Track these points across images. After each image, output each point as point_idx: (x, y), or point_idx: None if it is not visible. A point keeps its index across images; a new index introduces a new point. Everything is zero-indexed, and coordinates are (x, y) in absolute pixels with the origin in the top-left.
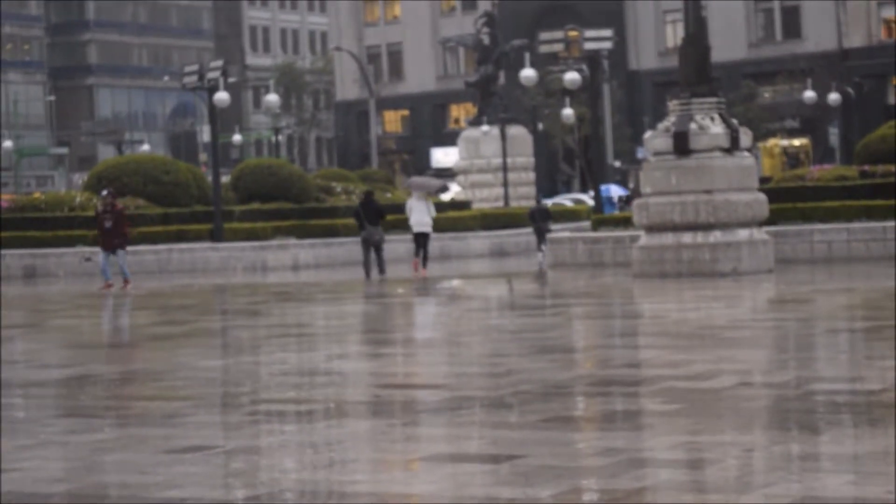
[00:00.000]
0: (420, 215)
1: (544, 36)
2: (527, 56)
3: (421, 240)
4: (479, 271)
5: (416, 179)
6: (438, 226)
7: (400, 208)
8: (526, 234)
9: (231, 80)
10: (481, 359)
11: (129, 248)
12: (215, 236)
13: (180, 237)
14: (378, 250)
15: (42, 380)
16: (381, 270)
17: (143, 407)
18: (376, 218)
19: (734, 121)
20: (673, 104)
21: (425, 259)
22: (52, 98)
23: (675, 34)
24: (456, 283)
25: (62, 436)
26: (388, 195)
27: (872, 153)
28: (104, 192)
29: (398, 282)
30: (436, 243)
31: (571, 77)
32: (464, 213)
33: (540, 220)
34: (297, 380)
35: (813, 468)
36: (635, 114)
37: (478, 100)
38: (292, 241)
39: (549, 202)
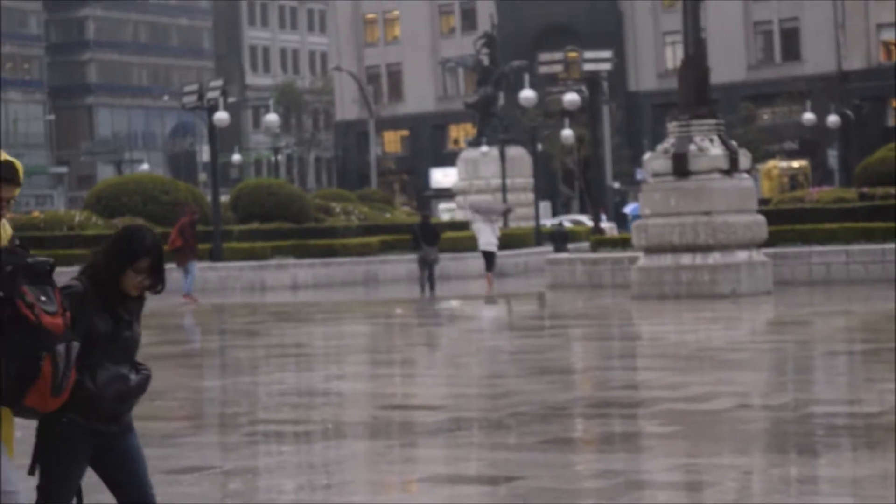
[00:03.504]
0: (487, 237)
1: (544, 57)
2: (526, 77)
3: (489, 258)
4: (478, 292)
5: (482, 205)
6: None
7: (399, 228)
8: (525, 255)
9: (231, 99)
10: (480, 380)
11: None
12: (214, 256)
13: None
14: (431, 269)
15: None
16: (432, 287)
17: (141, 427)
18: (433, 238)
19: (733, 142)
20: (672, 126)
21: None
22: (52, 117)
23: (674, 56)
24: (455, 303)
25: None
26: (388, 215)
27: (871, 175)
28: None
29: (454, 297)
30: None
31: (571, 98)
32: (462, 234)
33: (560, 241)
34: (295, 400)
35: (811, 491)
36: (634, 135)
37: (477, 120)
38: (291, 260)
39: (547, 223)
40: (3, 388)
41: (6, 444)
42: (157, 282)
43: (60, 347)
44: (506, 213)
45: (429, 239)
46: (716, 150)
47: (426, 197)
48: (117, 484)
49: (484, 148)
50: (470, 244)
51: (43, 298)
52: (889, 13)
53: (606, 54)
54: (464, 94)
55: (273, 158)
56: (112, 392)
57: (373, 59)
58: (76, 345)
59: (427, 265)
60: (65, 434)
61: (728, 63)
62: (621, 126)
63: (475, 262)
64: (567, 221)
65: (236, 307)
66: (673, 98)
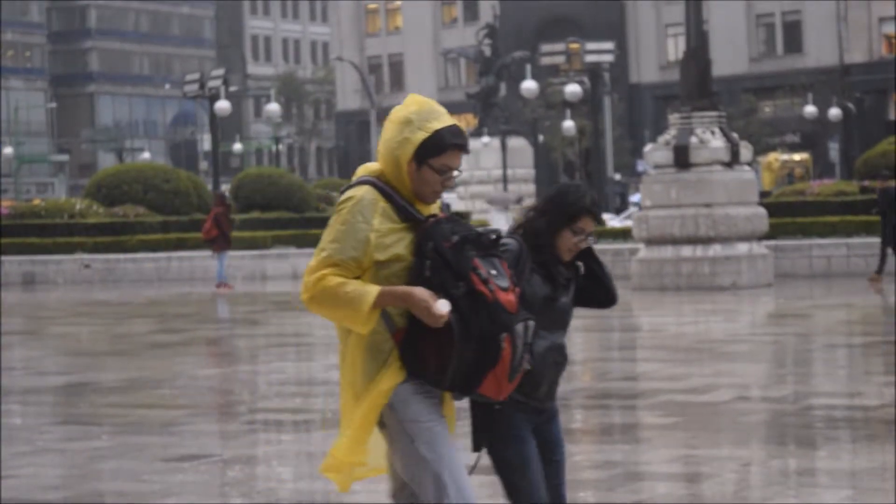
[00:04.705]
0: (501, 226)
1: (546, 48)
2: (528, 68)
3: None
4: None
5: (495, 195)
6: None
7: None
8: None
9: (232, 89)
10: None
11: (129, 256)
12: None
13: (179, 245)
14: None
15: (40, 387)
16: None
17: (141, 415)
18: None
19: (734, 135)
20: (673, 118)
21: None
22: (53, 105)
23: (676, 48)
24: None
25: (60, 443)
26: None
27: (872, 168)
28: (227, 194)
29: None
30: None
31: (572, 89)
32: None
33: None
34: (295, 389)
35: (810, 483)
36: (636, 127)
37: (478, 111)
38: (292, 250)
39: None
40: (455, 373)
41: (449, 420)
42: (591, 240)
43: (519, 327)
44: (518, 202)
45: None
46: (717, 142)
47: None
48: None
49: (485, 139)
50: None
51: (493, 272)
52: (891, 7)
53: (608, 46)
54: (465, 85)
55: (274, 148)
56: (550, 364)
57: (374, 49)
58: (532, 324)
59: None
60: (506, 414)
61: (730, 55)
62: (622, 117)
63: None
64: None
65: (237, 296)
66: (674, 90)
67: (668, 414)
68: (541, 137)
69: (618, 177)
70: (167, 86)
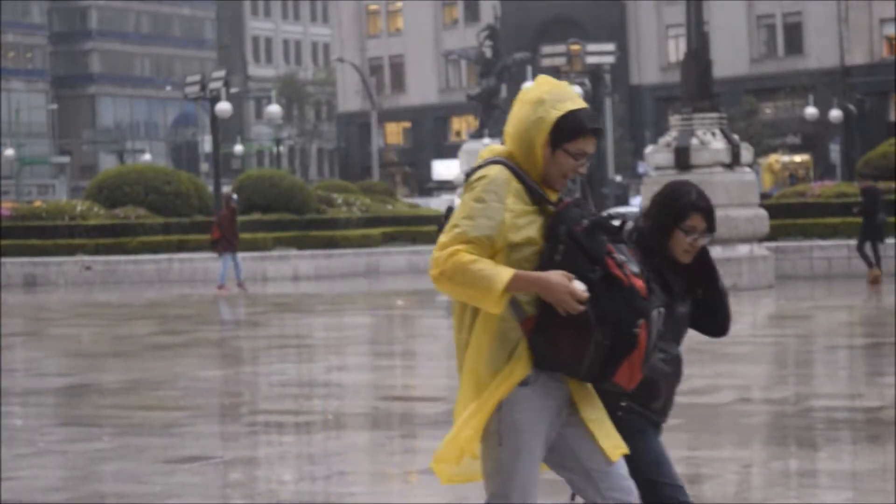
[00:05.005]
0: None
1: (546, 49)
2: (529, 69)
3: None
4: None
5: None
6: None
7: (398, 220)
8: None
9: (233, 90)
10: None
11: (130, 257)
12: (217, 250)
13: (181, 247)
14: None
15: (41, 388)
16: None
17: (142, 417)
18: None
19: (735, 136)
20: (674, 119)
21: None
22: (54, 107)
23: (677, 49)
24: None
25: (61, 444)
26: (389, 207)
27: (873, 170)
28: (235, 196)
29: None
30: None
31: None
32: None
33: None
34: (296, 391)
35: (811, 484)
36: (637, 128)
37: (479, 113)
38: (293, 251)
39: None
40: (592, 361)
41: (600, 420)
42: (707, 237)
43: (654, 313)
44: None
45: None
46: (718, 143)
47: (429, 188)
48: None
49: (486, 140)
50: None
51: (622, 258)
52: (892, 8)
53: (609, 47)
54: (466, 86)
55: (275, 149)
56: (667, 375)
57: (375, 50)
58: (663, 311)
59: None
60: (625, 422)
61: (731, 57)
62: (623, 119)
63: None
64: None
65: (238, 297)
66: (675, 91)
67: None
68: None
69: (619, 178)
70: (168, 87)
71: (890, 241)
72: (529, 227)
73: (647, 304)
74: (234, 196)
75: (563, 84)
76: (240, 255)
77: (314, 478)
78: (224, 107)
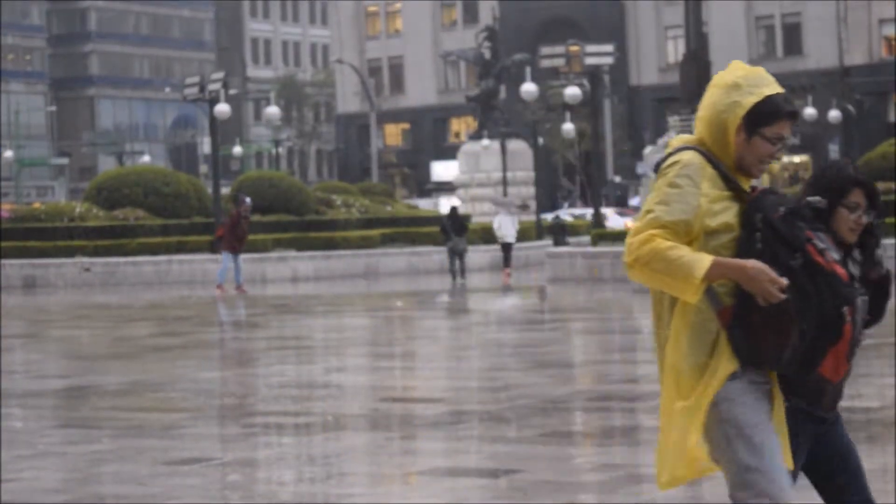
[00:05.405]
0: (508, 228)
1: (545, 50)
2: (528, 70)
3: (508, 250)
4: (478, 286)
5: (499, 199)
6: (440, 241)
7: (397, 221)
8: (525, 249)
9: (232, 92)
10: (480, 373)
11: (129, 259)
12: (215, 248)
13: (180, 248)
14: (461, 258)
15: (41, 390)
16: (463, 275)
17: (142, 418)
18: (461, 230)
19: None
20: (673, 120)
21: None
22: (54, 108)
23: (676, 50)
24: (457, 296)
25: (60, 446)
26: (388, 208)
27: (873, 171)
28: (248, 200)
29: (479, 288)
30: (435, 257)
31: (572, 92)
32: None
33: (558, 234)
34: (295, 392)
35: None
36: (636, 129)
37: (478, 114)
38: (292, 253)
39: (548, 217)
40: (795, 352)
41: (780, 425)
42: (874, 216)
43: (859, 301)
44: (521, 208)
45: (458, 230)
46: None
47: (428, 190)
48: (833, 484)
49: (485, 141)
50: (471, 238)
51: (822, 245)
52: (891, 9)
53: (608, 48)
54: (465, 88)
55: (274, 151)
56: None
57: (374, 51)
58: (866, 300)
59: (456, 255)
60: (788, 420)
61: (730, 57)
62: (622, 120)
63: (477, 256)
64: (568, 215)
65: (237, 299)
66: (674, 92)
67: None
68: (541, 140)
69: (618, 179)
70: (167, 89)
71: (889, 241)
72: (726, 213)
73: (852, 290)
74: (248, 200)
75: (759, 69)
76: (240, 256)
77: (313, 479)
78: (223, 108)
